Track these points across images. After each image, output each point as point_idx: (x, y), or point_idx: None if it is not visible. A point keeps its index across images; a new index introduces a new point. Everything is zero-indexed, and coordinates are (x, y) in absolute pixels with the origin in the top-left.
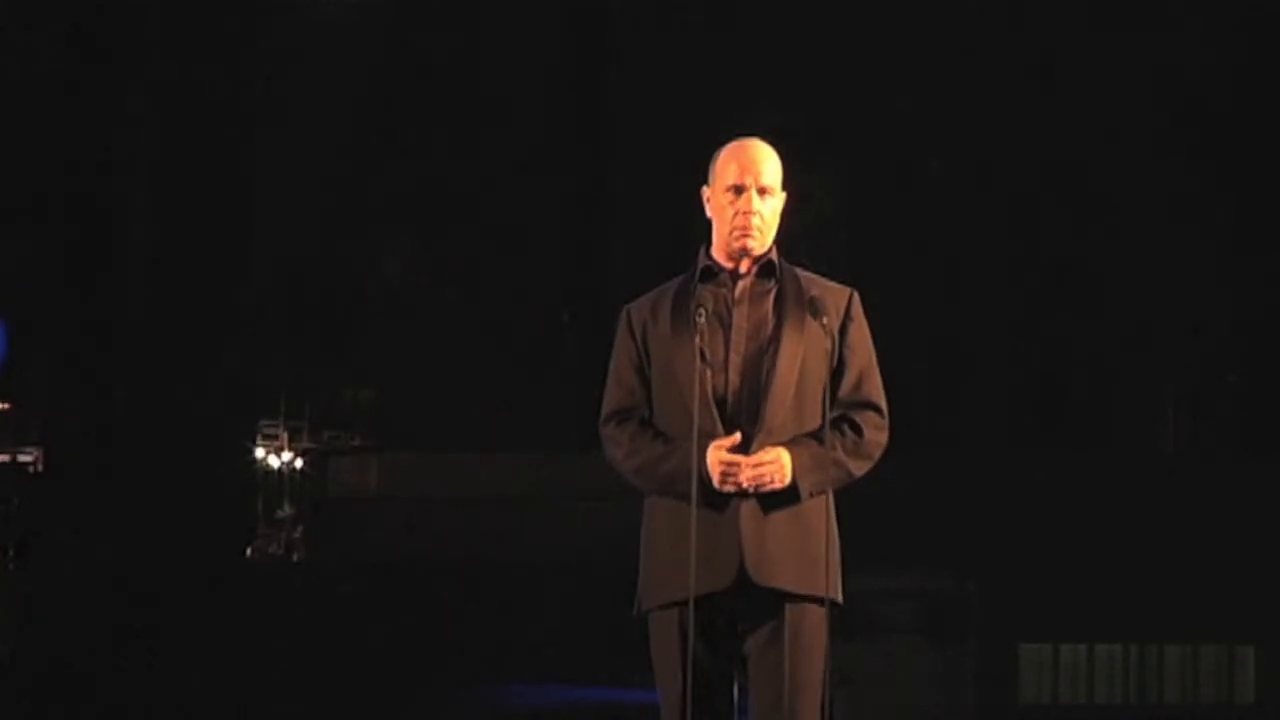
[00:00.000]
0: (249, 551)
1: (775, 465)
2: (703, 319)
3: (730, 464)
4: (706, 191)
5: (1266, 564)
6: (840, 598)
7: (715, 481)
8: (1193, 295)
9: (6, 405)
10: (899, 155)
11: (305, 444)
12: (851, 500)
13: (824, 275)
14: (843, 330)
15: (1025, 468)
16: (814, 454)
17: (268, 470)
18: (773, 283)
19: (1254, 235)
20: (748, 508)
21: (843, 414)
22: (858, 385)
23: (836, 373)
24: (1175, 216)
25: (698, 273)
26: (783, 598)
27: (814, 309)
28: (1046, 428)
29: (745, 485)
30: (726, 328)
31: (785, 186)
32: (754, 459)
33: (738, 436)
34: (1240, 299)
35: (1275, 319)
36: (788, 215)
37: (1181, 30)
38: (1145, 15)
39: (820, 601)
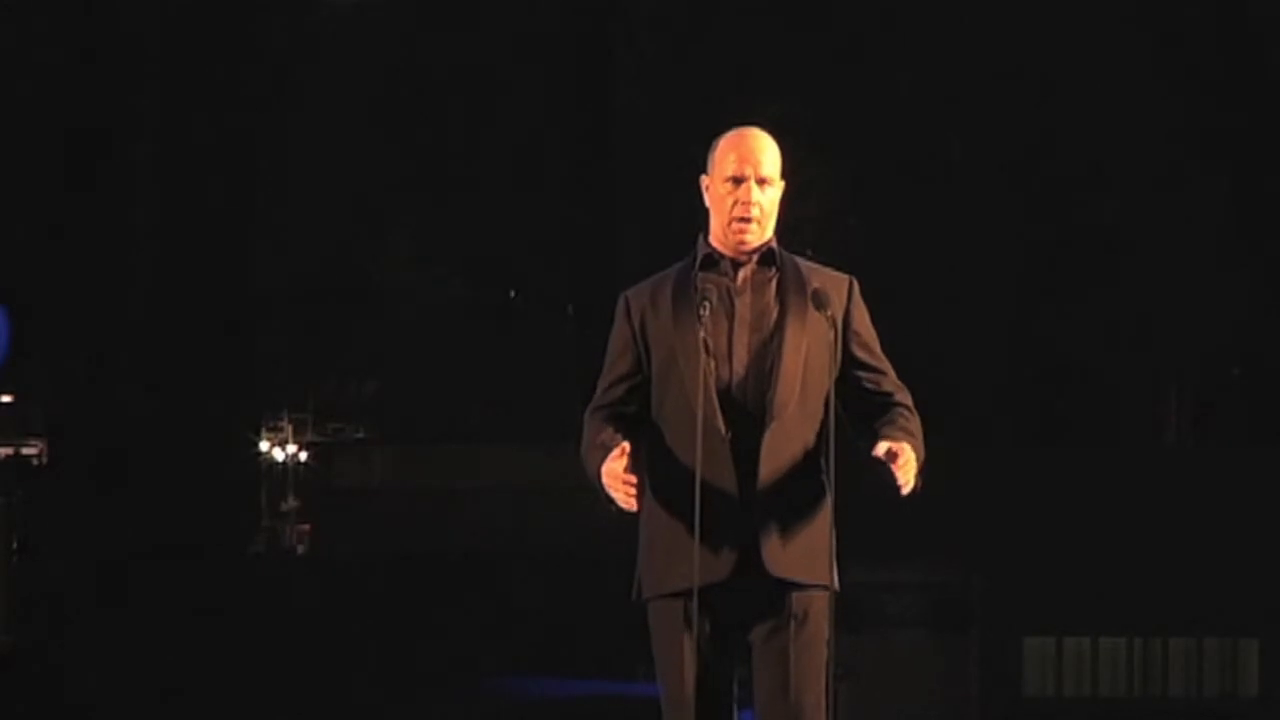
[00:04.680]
0: (253, 543)
1: (911, 462)
2: (708, 310)
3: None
4: (705, 180)
5: (1270, 559)
6: (837, 586)
7: (618, 500)
8: (1197, 290)
9: (10, 398)
10: (901, 150)
11: (309, 437)
12: (856, 494)
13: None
14: (846, 317)
15: (1030, 462)
16: (917, 442)
17: (272, 463)
18: (773, 271)
19: (1258, 230)
20: (760, 499)
21: (891, 396)
22: (883, 370)
23: (855, 362)
24: (1180, 212)
25: (698, 261)
26: (786, 587)
27: (818, 301)
28: (1051, 423)
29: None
30: (729, 318)
31: (785, 176)
32: (904, 461)
33: (627, 446)
34: (1245, 293)
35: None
36: (787, 206)
37: (1189, 29)
38: (1150, 9)
39: (821, 589)
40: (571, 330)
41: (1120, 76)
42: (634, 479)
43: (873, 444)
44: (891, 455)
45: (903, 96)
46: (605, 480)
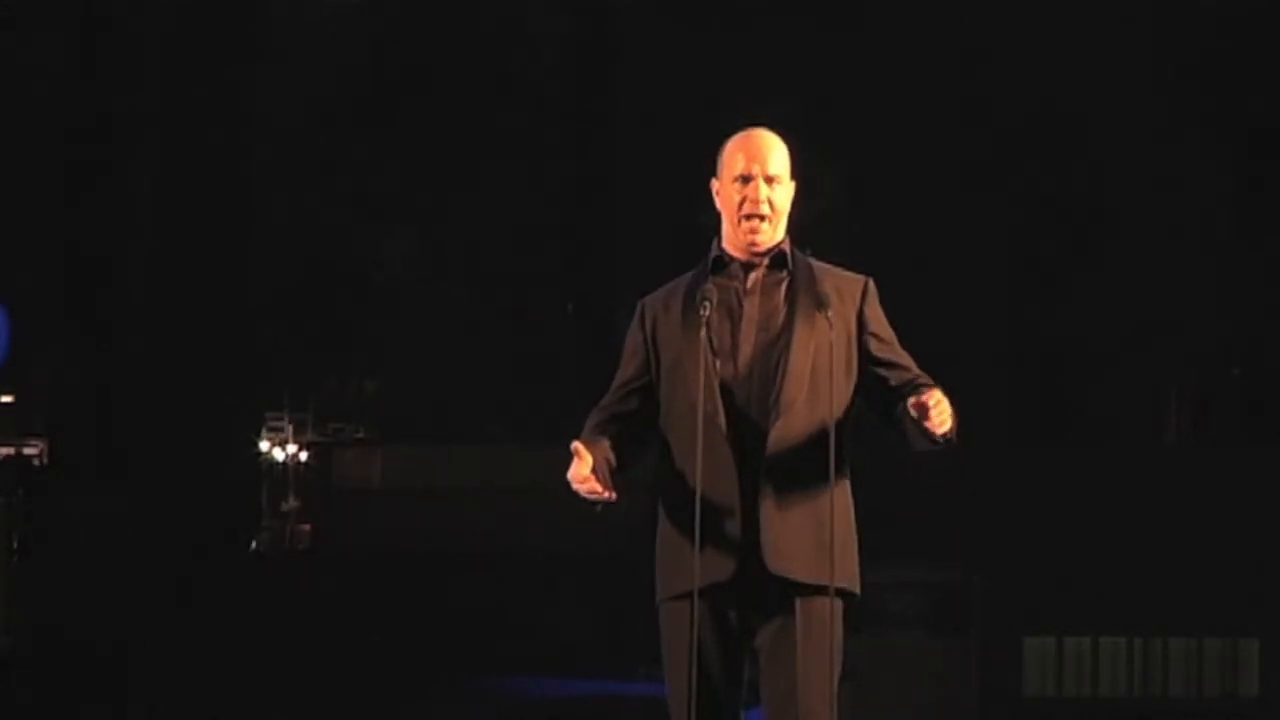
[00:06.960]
0: (254, 543)
1: (943, 401)
2: (708, 311)
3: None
4: (715, 184)
5: (1270, 558)
6: (857, 589)
7: (587, 495)
8: (1197, 289)
9: (10, 398)
10: (900, 150)
11: (310, 437)
12: (857, 493)
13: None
14: (862, 318)
15: (1030, 462)
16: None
17: (272, 463)
18: (785, 273)
19: (1258, 229)
20: (764, 497)
21: (915, 380)
22: (906, 365)
23: (876, 360)
24: (1180, 210)
25: (709, 264)
26: (792, 588)
27: (820, 302)
28: (1051, 422)
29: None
30: (736, 318)
31: (794, 176)
32: (934, 400)
33: (579, 446)
34: (1245, 293)
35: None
36: (796, 205)
37: (1194, 29)
38: (1152, 7)
39: (831, 591)
40: (571, 329)
41: (1121, 76)
42: (592, 478)
43: (901, 420)
44: (921, 406)
45: (902, 95)
46: (573, 486)
